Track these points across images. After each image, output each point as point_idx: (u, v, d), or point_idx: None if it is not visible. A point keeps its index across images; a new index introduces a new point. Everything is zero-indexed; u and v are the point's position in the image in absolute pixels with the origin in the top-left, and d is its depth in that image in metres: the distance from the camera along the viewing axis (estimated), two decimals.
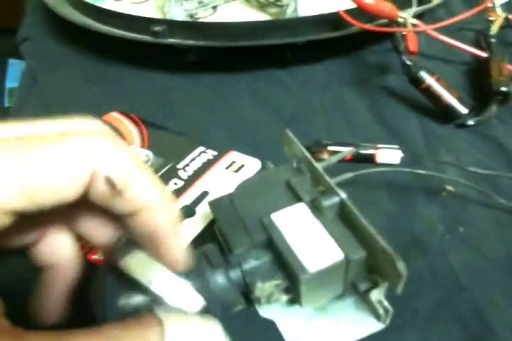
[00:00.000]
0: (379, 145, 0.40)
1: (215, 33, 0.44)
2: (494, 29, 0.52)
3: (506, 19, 0.53)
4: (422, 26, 0.45)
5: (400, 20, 0.45)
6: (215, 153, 0.40)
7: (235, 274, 0.25)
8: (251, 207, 0.28)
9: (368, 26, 0.45)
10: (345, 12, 0.45)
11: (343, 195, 0.27)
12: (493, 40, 0.51)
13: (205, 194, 0.37)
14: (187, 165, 0.39)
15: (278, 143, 0.33)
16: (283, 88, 0.49)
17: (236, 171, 0.39)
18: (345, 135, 0.43)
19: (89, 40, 0.54)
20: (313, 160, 0.30)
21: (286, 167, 0.31)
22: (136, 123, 0.44)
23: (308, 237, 0.26)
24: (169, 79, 0.50)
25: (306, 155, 0.30)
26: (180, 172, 0.39)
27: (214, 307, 0.24)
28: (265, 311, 0.29)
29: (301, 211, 0.28)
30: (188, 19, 0.51)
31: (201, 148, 0.41)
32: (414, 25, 0.45)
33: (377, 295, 0.27)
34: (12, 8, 1.08)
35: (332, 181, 0.28)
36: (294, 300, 0.27)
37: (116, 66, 0.53)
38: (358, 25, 0.45)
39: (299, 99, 0.47)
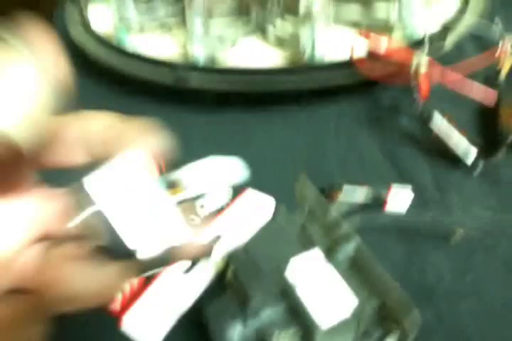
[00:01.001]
0: (391, 187, 0.41)
1: (234, 78, 0.47)
2: (503, 73, 0.54)
3: None
4: (434, 74, 0.47)
5: (413, 65, 0.47)
6: (231, 190, 0.41)
7: (253, 324, 0.26)
8: (267, 256, 0.30)
9: (382, 77, 0.47)
10: (359, 59, 0.47)
11: (358, 241, 0.28)
12: (501, 83, 0.53)
13: (219, 237, 0.38)
14: (205, 201, 0.40)
15: (293, 183, 0.34)
16: (297, 128, 0.50)
17: (252, 209, 0.40)
18: (357, 176, 0.45)
19: (109, 75, 0.56)
20: (327, 206, 0.31)
21: (299, 212, 0.33)
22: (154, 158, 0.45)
23: (324, 285, 0.27)
24: (186, 116, 0.52)
25: (320, 201, 0.31)
26: (198, 209, 0.40)
27: None
28: None
29: (316, 257, 0.29)
30: (209, 55, 0.52)
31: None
32: (426, 71, 0.47)
33: None
34: None
35: (346, 227, 0.29)
36: None
37: (134, 101, 0.54)
38: (372, 76, 0.47)
39: (313, 139, 0.49)
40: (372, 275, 0.27)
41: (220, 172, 0.21)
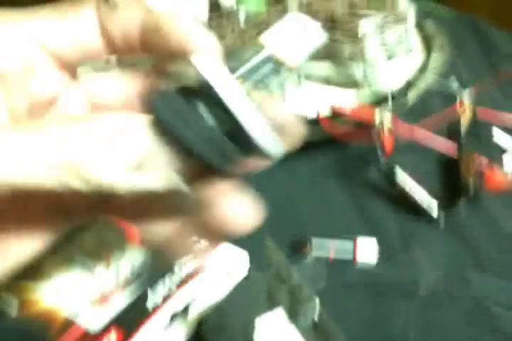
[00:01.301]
0: (358, 240, 0.44)
1: None
2: (463, 123, 0.57)
3: (474, 114, 0.58)
4: (398, 130, 0.50)
5: (377, 123, 0.51)
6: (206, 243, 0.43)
7: None
8: (236, 314, 0.32)
9: (347, 136, 0.50)
10: (325, 118, 0.50)
11: (317, 303, 0.31)
12: (462, 135, 0.56)
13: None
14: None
15: (264, 236, 0.37)
16: (270, 182, 0.53)
17: (225, 264, 0.42)
18: (327, 228, 0.47)
19: None
20: (291, 270, 0.33)
21: (267, 273, 0.35)
22: None
23: None
24: None
25: (285, 265, 0.34)
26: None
27: None
28: None
29: (279, 318, 0.31)
30: None
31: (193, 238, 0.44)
32: (390, 129, 0.50)
33: None
34: None
35: (308, 291, 0.32)
36: None
37: None
38: (337, 135, 0.50)
39: (284, 192, 0.52)
40: (329, 335, 0.29)
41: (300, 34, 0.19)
